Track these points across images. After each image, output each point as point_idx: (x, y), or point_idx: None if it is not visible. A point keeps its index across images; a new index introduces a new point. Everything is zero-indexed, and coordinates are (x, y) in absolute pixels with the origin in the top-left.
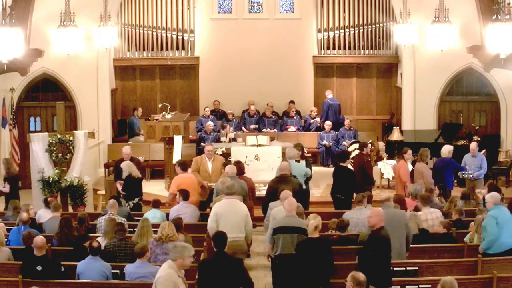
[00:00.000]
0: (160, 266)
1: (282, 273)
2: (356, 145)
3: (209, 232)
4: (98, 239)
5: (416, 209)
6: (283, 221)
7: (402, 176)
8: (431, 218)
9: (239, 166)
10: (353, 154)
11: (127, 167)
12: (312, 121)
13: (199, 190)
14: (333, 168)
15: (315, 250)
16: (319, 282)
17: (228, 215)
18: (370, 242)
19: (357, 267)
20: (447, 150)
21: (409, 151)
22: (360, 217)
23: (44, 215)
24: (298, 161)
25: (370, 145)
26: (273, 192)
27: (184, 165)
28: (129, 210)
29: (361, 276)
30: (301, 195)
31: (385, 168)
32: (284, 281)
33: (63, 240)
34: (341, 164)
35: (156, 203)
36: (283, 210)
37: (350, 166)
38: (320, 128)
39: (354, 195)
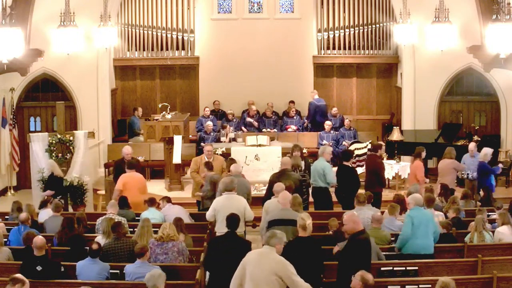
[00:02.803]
0: (159, 266)
1: None
2: (356, 145)
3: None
4: (98, 238)
5: None
6: (278, 214)
7: (419, 177)
8: (437, 221)
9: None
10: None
11: (50, 166)
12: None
13: (145, 191)
14: (336, 167)
15: (304, 250)
16: (312, 282)
17: (226, 210)
18: (351, 245)
19: (338, 268)
20: (483, 153)
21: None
22: (360, 217)
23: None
24: None
25: (384, 147)
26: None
27: (131, 164)
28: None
29: (370, 278)
30: (300, 191)
31: (385, 168)
32: None
33: (63, 240)
34: (344, 163)
35: (152, 201)
36: (274, 202)
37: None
38: (304, 129)
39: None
